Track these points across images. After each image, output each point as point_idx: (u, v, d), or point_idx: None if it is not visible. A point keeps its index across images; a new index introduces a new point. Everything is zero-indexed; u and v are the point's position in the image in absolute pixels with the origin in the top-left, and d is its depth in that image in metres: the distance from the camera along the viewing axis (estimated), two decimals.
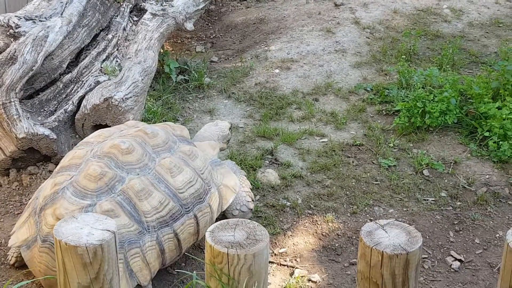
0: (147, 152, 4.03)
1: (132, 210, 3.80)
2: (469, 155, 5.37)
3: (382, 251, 2.81)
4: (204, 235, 3.43)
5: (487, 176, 5.13)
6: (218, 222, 2.98)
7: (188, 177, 4.06)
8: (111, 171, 3.86)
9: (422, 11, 8.02)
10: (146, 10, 6.10)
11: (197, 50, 7.51)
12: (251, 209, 4.53)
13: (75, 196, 3.78)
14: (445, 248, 4.49)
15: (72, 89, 5.14)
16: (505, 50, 5.98)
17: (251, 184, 4.72)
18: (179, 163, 4.07)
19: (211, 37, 7.95)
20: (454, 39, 7.26)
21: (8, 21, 4.97)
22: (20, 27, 4.95)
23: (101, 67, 5.34)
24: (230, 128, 4.98)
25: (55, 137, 4.83)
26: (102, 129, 4.37)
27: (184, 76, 6.52)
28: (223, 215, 4.45)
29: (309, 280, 4.21)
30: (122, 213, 3.76)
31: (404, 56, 6.73)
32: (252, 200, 4.54)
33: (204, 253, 4.31)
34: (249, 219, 4.48)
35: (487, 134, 5.39)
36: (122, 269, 3.66)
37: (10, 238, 4.07)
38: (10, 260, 4.14)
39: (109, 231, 2.86)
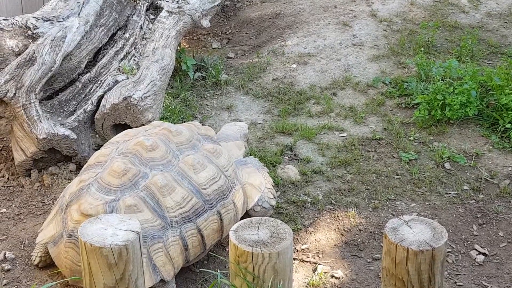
0: (171, 150, 4.07)
1: (155, 205, 3.84)
2: (490, 147, 5.33)
3: (408, 248, 2.79)
4: (228, 233, 3.46)
5: (509, 168, 5.08)
6: (242, 221, 2.97)
7: (211, 173, 4.08)
8: (134, 167, 3.91)
9: (439, 2, 7.95)
10: (163, 8, 6.10)
11: (213, 47, 7.50)
12: (273, 206, 4.53)
13: (100, 191, 3.84)
14: (468, 242, 4.45)
15: (91, 89, 5.15)
16: None
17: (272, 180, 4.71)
18: (203, 160, 4.10)
19: (227, 33, 7.94)
20: (473, 30, 7.19)
21: (26, 22, 4.99)
22: (38, 28, 4.97)
23: (119, 66, 5.34)
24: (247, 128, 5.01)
25: (75, 137, 4.84)
26: (128, 129, 4.42)
27: (201, 73, 6.51)
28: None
29: (332, 276, 4.19)
30: (145, 208, 3.81)
31: (422, 49, 6.68)
32: (274, 197, 4.55)
33: (226, 251, 4.32)
34: (270, 216, 4.48)
35: (508, 126, 5.34)
36: (145, 264, 3.68)
37: (38, 235, 4.11)
38: (34, 260, 4.16)
39: (133, 231, 2.86)
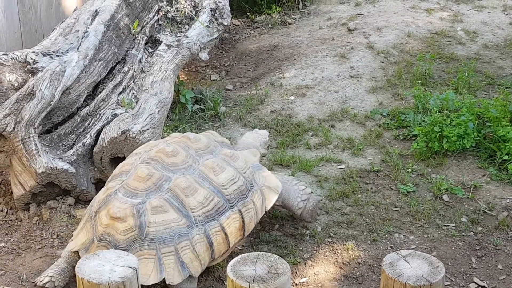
0: (191, 155, 4.31)
1: (180, 205, 4.07)
2: (488, 179, 5.34)
3: (405, 283, 2.79)
4: (250, 232, 4.02)
5: (507, 200, 5.09)
6: (239, 256, 2.97)
7: (230, 175, 4.30)
8: (158, 172, 4.14)
9: (436, 34, 8.02)
10: (161, 42, 6.16)
11: (212, 79, 7.55)
12: (310, 193, 4.73)
13: (126, 196, 4.06)
14: (467, 275, 4.44)
15: (90, 123, 5.17)
16: None
17: (270, 213, 4.71)
18: (221, 163, 4.34)
19: (226, 65, 7.99)
20: (470, 62, 7.25)
21: (26, 57, 5.03)
22: (37, 62, 5.01)
23: (118, 100, 5.38)
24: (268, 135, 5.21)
25: (74, 171, 4.85)
26: (149, 141, 4.72)
27: (200, 105, 6.55)
28: (290, 216, 4.82)
29: None
30: (171, 208, 4.03)
31: (419, 80, 6.73)
32: (306, 186, 4.75)
33: (224, 285, 4.31)
34: (266, 251, 4.49)
35: (506, 157, 5.36)
36: (173, 261, 3.95)
37: (68, 244, 4.23)
38: (43, 280, 4.11)
39: (130, 267, 2.86)
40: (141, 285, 3.93)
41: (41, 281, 4.13)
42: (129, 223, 3.96)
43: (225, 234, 4.18)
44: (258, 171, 4.59)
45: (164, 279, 3.94)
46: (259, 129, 5.44)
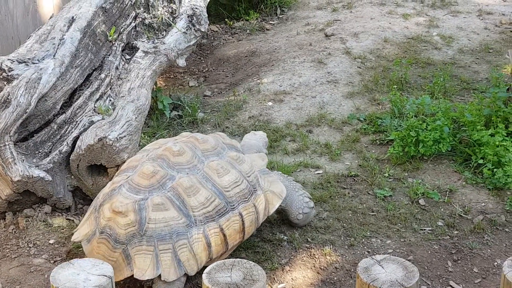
0: (197, 155, 4.41)
1: (181, 204, 4.15)
2: (464, 183, 5.39)
3: (380, 287, 2.81)
4: (250, 235, 4.17)
5: (483, 204, 5.14)
6: (215, 263, 2.97)
7: (234, 177, 4.38)
8: (162, 170, 4.25)
9: (412, 39, 8.09)
10: (138, 48, 6.15)
11: (190, 85, 7.56)
12: (313, 207, 4.85)
13: (130, 191, 4.18)
14: (444, 278, 4.48)
15: (66, 130, 5.15)
16: (496, 76, 6.03)
17: None
18: (226, 165, 4.42)
19: (204, 71, 8.00)
20: (445, 66, 7.32)
21: (1, 64, 5.00)
22: (13, 70, 4.98)
23: (95, 107, 5.36)
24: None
25: (50, 178, 4.83)
26: (159, 139, 4.84)
27: (178, 111, 6.55)
28: (268, 222, 4.86)
29: None
30: (172, 207, 4.12)
31: (396, 85, 6.78)
32: (310, 199, 4.85)
33: None
34: (244, 257, 4.50)
35: (481, 161, 5.42)
36: (170, 258, 4.04)
37: (73, 234, 4.37)
38: None
39: (105, 276, 2.85)
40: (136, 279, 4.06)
41: None
42: (130, 218, 4.08)
43: (224, 235, 4.25)
44: (263, 176, 4.69)
45: (159, 276, 4.03)
46: (255, 131, 5.52)
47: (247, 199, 4.40)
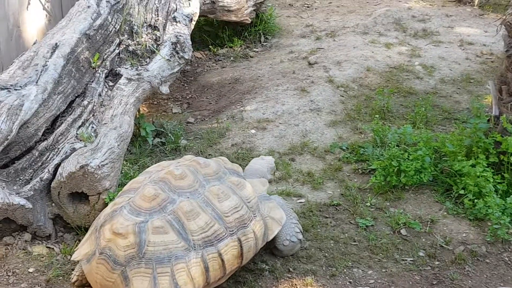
0: (198, 180, 4.47)
1: (181, 228, 4.20)
2: (445, 213, 5.41)
3: None
4: (249, 260, 4.36)
5: (464, 235, 5.16)
6: None
7: (234, 203, 4.44)
8: (164, 193, 4.31)
9: (394, 68, 8.16)
10: (121, 75, 6.15)
11: (173, 111, 7.56)
12: (301, 240, 4.91)
13: (131, 213, 4.23)
14: None
15: (48, 157, 5.12)
16: (477, 106, 6.09)
17: None
18: (227, 190, 4.48)
19: (187, 97, 8.01)
20: (427, 96, 7.38)
21: None
22: None
23: (77, 134, 5.34)
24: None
25: (31, 206, 4.79)
26: (163, 161, 4.90)
27: (161, 138, 6.54)
28: (274, 247, 4.87)
29: None
30: (171, 230, 4.17)
31: (378, 114, 6.82)
32: (301, 232, 4.91)
33: None
34: (226, 287, 4.47)
35: (462, 192, 5.44)
36: (168, 282, 4.06)
37: (74, 253, 4.43)
38: (72, 278, 4.51)
39: None
40: None
41: (71, 279, 4.50)
42: (129, 240, 4.13)
43: (222, 260, 4.28)
44: (264, 201, 4.77)
45: None
46: (264, 155, 5.65)
47: (246, 225, 4.45)
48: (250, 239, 4.45)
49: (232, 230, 4.37)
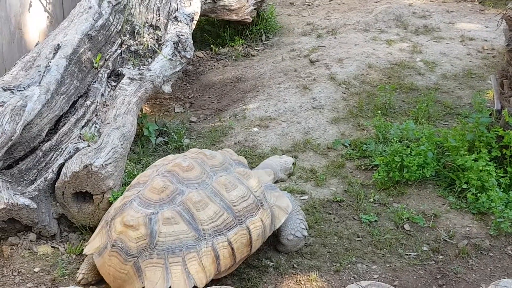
0: (205, 171, 4.54)
1: (190, 218, 4.28)
2: (448, 207, 5.42)
3: None
4: (257, 248, 4.50)
5: (467, 229, 5.17)
6: None
7: (241, 192, 4.52)
8: (172, 185, 4.38)
9: (396, 65, 8.17)
10: (124, 75, 6.17)
11: (176, 111, 7.58)
12: (305, 236, 4.92)
13: (141, 206, 4.31)
14: None
15: (52, 157, 5.15)
16: (479, 101, 6.10)
17: None
18: (234, 180, 4.56)
19: (190, 97, 8.03)
20: (429, 92, 7.39)
21: None
22: None
23: (80, 134, 5.36)
24: (294, 163, 5.44)
25: (35, 206, 4.81)
26: (169, 155, 4.92)
27: (164, 137, 6.56)
28: (279, 242, 4.89)
29: None
30: (181, 221, 4.24)
31: (380, 111, 6.83)
32: (306, 228, 4.93)
33: None
34: (230, 284, 4.50)
35: (465, 186, 5.46)
36: (180, 271, 4.14)
37: (85, 247, 4.51)
38: (78, 276, 4.54)
39: None
40: None
41: (76, 278, 4.54)
42: (141, 231, 4.19)
43: (232, 249, 4.36)
44: (270, 191, 4.83)
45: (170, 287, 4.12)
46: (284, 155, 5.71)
47: (254, 214, 4.52)
48: (258, 227, 4.52)
49: (241, 219, 4.44)
